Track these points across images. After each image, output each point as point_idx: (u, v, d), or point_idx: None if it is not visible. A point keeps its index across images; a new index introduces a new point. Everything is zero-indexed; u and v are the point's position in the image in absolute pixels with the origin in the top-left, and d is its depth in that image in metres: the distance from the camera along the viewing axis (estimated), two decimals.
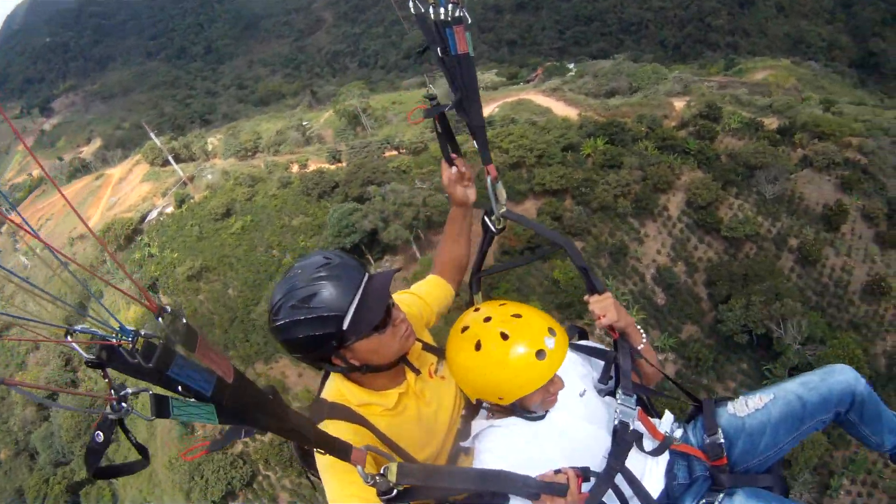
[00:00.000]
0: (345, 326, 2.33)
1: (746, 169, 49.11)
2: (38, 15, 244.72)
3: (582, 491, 2.40)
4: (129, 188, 75.14)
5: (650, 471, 2.76)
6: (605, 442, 2.62)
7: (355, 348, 2.44)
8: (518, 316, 2.52)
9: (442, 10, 2.51)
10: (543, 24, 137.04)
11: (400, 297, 2.96)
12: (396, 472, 2.17)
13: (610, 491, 2.53)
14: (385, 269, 2.54)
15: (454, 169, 3.05)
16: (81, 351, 1.32)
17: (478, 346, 2.46)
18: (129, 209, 65.58)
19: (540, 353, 2.39)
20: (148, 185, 71.66)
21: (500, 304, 2.63)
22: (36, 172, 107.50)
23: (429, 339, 2.96)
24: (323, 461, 2.41)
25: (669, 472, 2.80)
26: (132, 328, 1.33)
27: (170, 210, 60.30)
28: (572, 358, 2.89)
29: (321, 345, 2.38)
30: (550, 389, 2.54)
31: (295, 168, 59.09)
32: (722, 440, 2.79)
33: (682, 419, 3.01)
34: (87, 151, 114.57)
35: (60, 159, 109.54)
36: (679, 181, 48.40)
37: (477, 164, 2.97)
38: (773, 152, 49.54)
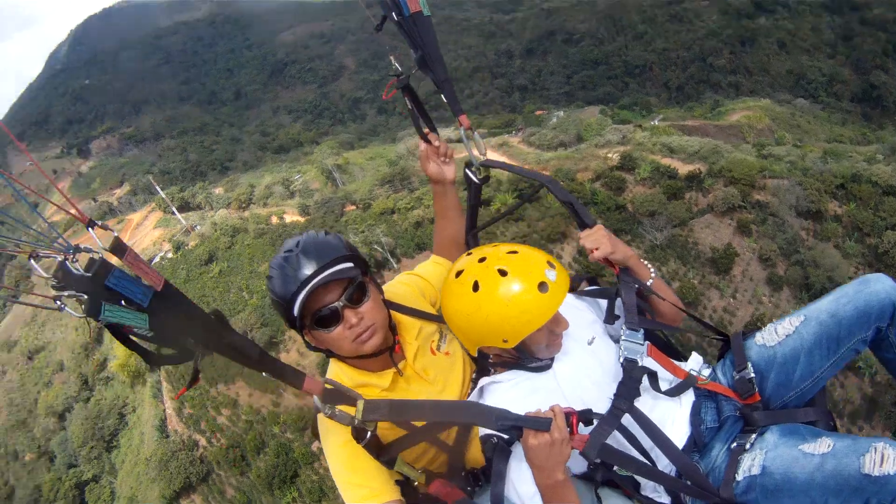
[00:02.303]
0: (294, 313, 2.49)
1: (646, 217, 53.88)
2: (78, 55, 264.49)
3: (582, 432, 2.35)
4: (144, 233, 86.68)
5: (672, 415, 2.68)
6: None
7: (313, 334, 2.62)
8: (514, 252, 2.54)
9: None
10: (552, 69, 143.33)
11: (400, 279, 3.24)
12: (363, 408, 2.25)
13: (625, 441, 2.48)
14: (336, 272, 2.53)
15: (425, 145, 3.28)
16: (42, 271, 1.62)
17: (475, 287, 2.47)
18: (141, 252, 75.07)
19: (542, 286, 2.41)
20: (159, 230, 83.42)
21: (493, 246, 2.65)
22: (73, 211, 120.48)
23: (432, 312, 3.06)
24: (323, 426, 2.68)
25: (695, 417, 2.70)
26: (73, 244, 1.62)
27: (170, 255, 71.70)
28: (579, 305, 2.91)
29: (284, 320, 2.60)
30: (556, 330, 2.58)
31: (274, 220, 69.64)
32: (752, 374, 2.70)
33: (712, 361, 2.98)
34: (118, 194, 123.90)
35: (94, 200, 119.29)
36: (575, 231, 55.64)
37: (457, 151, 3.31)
38: (661, 200, 54.09)
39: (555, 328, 2.57)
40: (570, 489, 2.33)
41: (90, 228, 1.73)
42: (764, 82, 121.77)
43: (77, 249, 1.63)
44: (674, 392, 2.68)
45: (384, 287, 2.93)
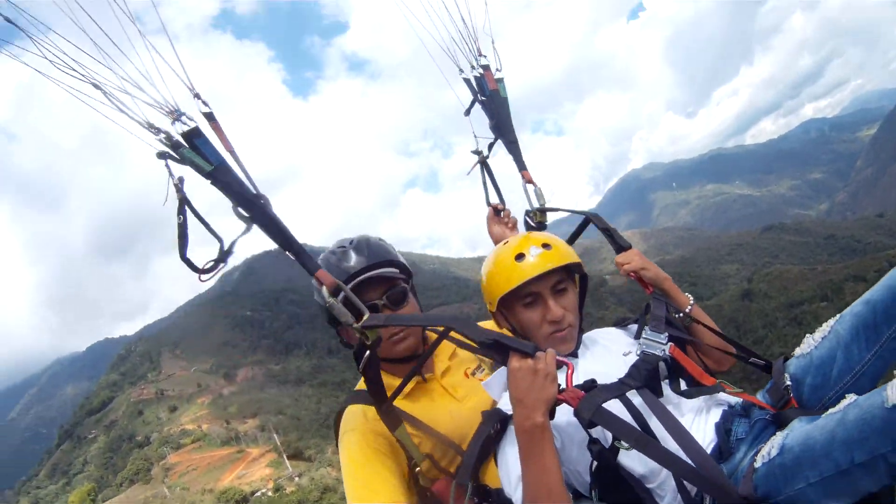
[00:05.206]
0: None
1: None
2: (248, 284, 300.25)
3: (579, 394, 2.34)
4: (257, 468, 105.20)
5: (695, 421, 2.63)
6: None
7: (348, 329, 2.73)
8: (526, 233, 2.98)
9: (473, 71, 3.90)
10: None
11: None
12: (366, 318, 2.42)
13: (632, 421, 2.42)
14: (383, 272, 2.96)
15: (491, 210, 3.94)
16: (167, 129, 2.34)
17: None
18: (249, 483, 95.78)
19: (519, 256, 2.73)
20: (269, 469, 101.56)
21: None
22: (205, 426, 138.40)
23: None
24: (344, 426, 2.94)
25: (723, 426, 2.61)
26: (180, 109, 2.36)
27: (269, 494, 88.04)
28: (621, 332, 3.14)
29: (323, 313, 2.83)
30: (548, 316, 2.74)
31: None
32: (788, 383, 2.62)
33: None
34: (249, 424, 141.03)
35: (227, 423, 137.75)
36: None
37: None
38: None
39: (546, 314, 2.73)
40: (550, 443, 2.30)
41: (196, 98, 2.41)
42: None
43: (181, 113, 2.37)
44: (695, 394, 2.63)
45: None
